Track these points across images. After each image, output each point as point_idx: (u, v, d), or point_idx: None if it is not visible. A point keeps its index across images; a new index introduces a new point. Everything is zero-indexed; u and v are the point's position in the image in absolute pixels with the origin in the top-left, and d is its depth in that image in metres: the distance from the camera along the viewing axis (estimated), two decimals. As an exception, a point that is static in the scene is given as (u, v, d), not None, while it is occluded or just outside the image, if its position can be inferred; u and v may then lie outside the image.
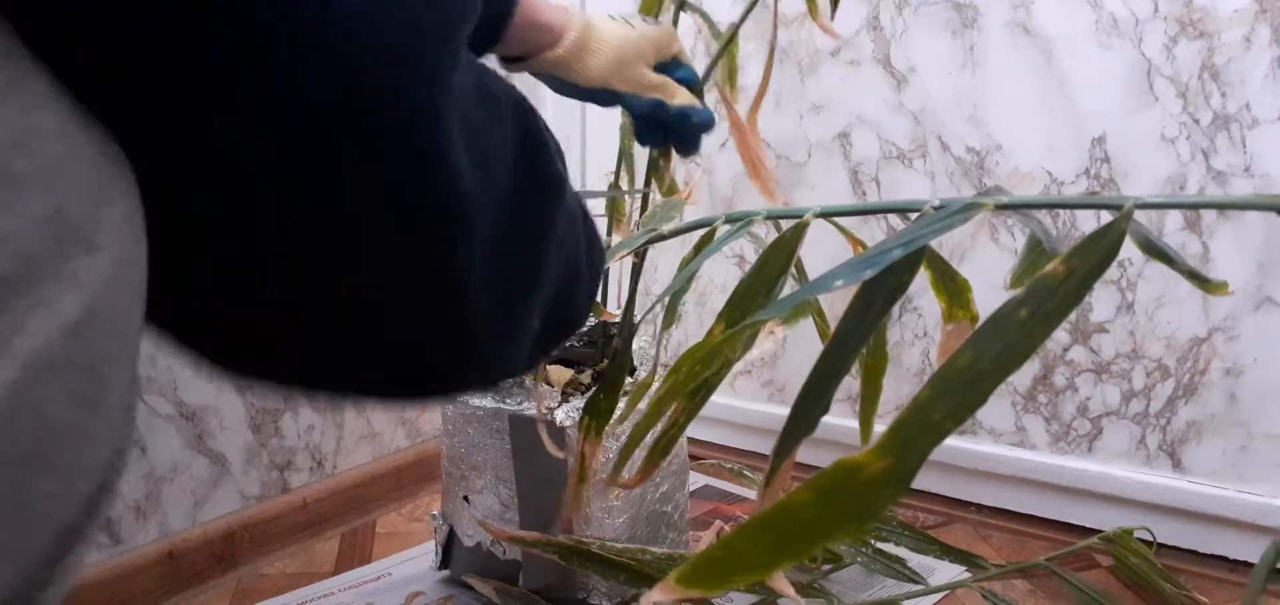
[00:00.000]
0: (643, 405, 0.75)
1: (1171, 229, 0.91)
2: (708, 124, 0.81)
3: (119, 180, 0.29)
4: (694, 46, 1.17)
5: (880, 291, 0.24)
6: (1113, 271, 0.94)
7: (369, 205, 0.33)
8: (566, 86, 0.77)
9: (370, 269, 0.35)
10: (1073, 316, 0.96)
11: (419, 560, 0.90)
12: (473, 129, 0.36)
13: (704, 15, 0.87)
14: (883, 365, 0.52)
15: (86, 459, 0.29)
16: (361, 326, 0.36)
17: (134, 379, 0.33)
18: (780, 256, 0.32)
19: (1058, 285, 0.22)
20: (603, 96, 0.78)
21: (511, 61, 0.72)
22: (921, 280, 0.38)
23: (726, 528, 0.91)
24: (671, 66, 0.80)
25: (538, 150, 0.44)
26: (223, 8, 0.28)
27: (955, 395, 0.19)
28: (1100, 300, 0.95)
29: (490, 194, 0.38)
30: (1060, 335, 0.97)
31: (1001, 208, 0.29)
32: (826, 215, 0.36)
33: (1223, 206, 0.44)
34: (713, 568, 0.20)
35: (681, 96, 0.79)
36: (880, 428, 0.58)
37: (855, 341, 0.24)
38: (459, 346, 0.40)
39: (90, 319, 0.27)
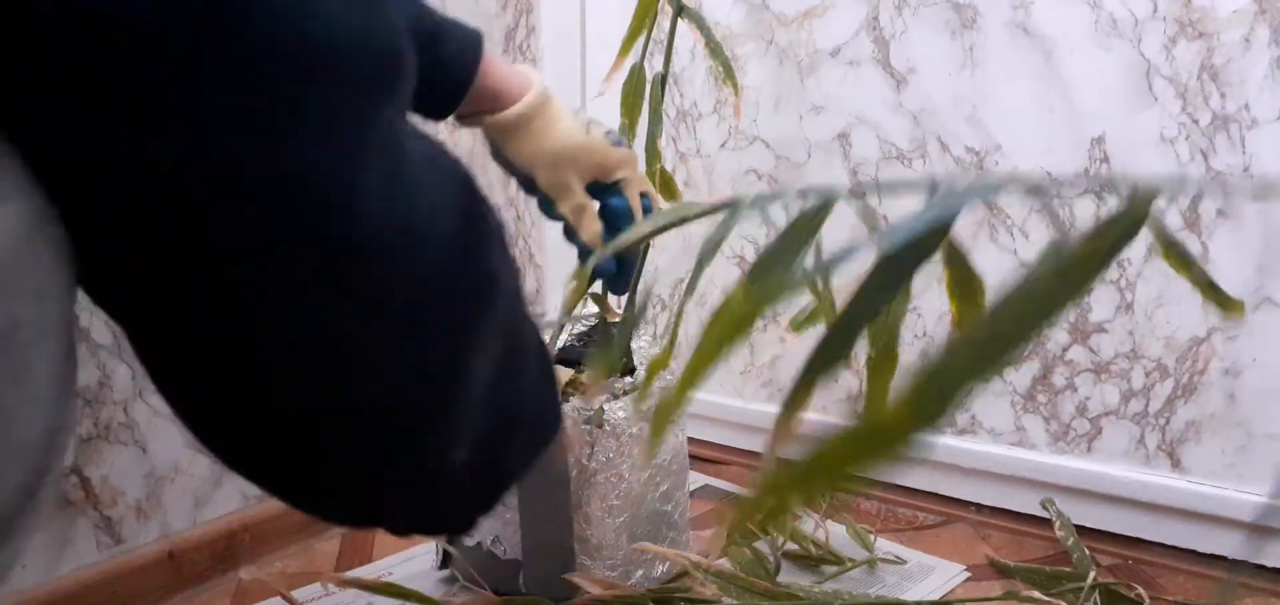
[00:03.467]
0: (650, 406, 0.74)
1: (1170, 228, 0.91)
2: (604, 274, 0.74)
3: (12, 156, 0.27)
4: (692, 49, 1.17)
5: (904, 261, 0.24)
6: (1112, 271, 0.94)
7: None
8: (499, 156, 0.70)
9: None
10: (1072, 316, 0.96)
11: (419, 560, 0.90)
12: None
13: (701, 23, 0.86)
14: (893, 365, 0.51)
15: (14, 439, 0.26)
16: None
17: (71, 352, 0.30)
18: (804, 231, 0.32)
19: (1082, 253, 0.21)
20: (526, 183, 0.71)
21: (459, 117, 0.67)
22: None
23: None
24: (609, 191, 0.72)
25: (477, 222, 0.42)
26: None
27: (976, 348, 0.19)
28: (1099, 300, 0.95)
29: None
30: (1059, 335, 0.97)
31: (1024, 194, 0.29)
32: (854, 198, 0.36)
33: (1236, 193, 0.44)
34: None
35: (589, 229, 0.71)
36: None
37: (883, 296, 0.24)
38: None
39: None
